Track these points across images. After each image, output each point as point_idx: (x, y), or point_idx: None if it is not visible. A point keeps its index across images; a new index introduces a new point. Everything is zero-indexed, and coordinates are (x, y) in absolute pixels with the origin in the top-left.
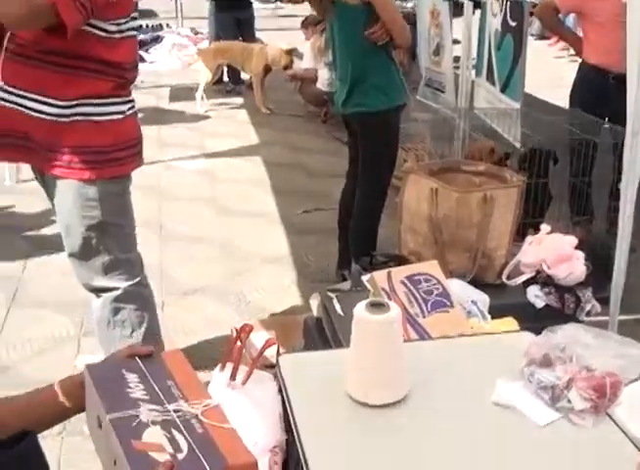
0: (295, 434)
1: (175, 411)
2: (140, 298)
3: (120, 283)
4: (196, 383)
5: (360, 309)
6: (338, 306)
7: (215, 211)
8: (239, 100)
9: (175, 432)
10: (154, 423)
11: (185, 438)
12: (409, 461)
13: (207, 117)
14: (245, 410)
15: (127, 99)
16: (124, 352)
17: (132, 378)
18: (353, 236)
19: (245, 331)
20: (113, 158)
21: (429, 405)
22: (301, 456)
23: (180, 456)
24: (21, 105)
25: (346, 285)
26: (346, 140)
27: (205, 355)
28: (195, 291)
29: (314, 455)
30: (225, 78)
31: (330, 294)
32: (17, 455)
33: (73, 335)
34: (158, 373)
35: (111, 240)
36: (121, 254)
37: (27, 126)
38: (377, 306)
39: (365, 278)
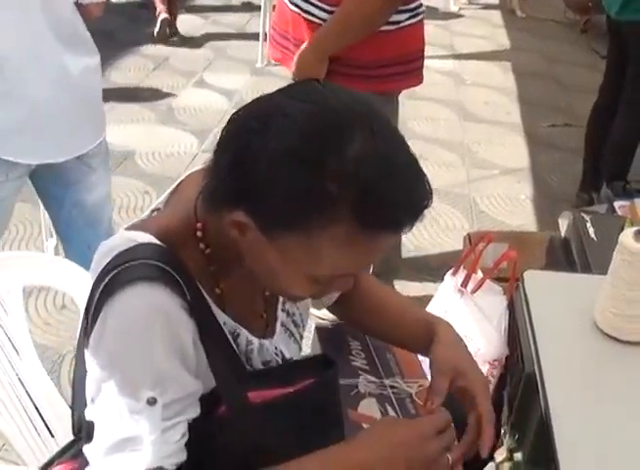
0: (532, 352)
1: (391, 387)
2: None
3: None
4: (414, 361)
5: (627, 237)
6: (591, 230)
7: (458, 114)
8: (494, 0)
9: (389, 408)
10: (370, 395)
11: (397, 416)
12: None
13: (460, 16)
14: (471, 318)
15: (405, 8)
16: None
17: (355, 345)
18: (608, 158)
19: (484, 240)
20: (375, 74)
21: None
22: (537, 376)
23: None
24: (292, 2)
25: (602, 208)
26: (605, 53)
27: (431, 257)
28: None
29: (550, 378)
30: None
31: (584, 215)
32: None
33: None
34: (380, 344)
35: None
36: None
37: (288, 25)
38: None
39: (619, 204)
